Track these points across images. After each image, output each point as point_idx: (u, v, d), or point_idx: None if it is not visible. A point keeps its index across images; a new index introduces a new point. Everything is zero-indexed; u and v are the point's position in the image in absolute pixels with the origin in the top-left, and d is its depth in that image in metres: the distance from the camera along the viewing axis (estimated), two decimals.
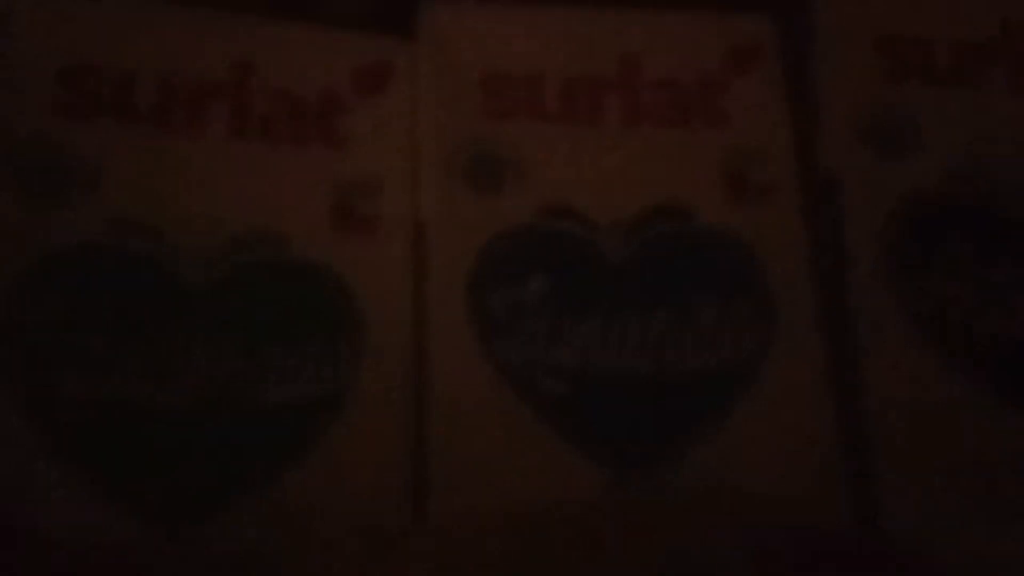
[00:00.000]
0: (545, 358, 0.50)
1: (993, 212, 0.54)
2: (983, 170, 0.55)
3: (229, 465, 0.47)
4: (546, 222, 0.52)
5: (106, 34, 0.52)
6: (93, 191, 0.49)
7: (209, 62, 0.52)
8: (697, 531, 0.47)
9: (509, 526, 0.47)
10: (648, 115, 0.55)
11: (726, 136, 0.55)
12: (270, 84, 0.52)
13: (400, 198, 0.52)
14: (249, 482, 0.47)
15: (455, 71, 0.54)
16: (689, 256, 0.53)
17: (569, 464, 0.49)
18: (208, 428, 0.47)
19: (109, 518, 0.45)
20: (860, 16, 0.57)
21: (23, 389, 0.46)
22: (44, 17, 0.51)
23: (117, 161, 0.50)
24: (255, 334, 0.48)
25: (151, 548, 0.45)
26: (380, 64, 0.54)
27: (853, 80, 0.56)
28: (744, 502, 0.48)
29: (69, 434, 0.46)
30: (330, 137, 0.52)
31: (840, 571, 0.46)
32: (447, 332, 0.50)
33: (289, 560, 0.46)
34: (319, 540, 0.46)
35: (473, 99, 0.54)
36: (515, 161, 0.53)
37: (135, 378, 0.47)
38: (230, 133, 0.52)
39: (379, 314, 0.50)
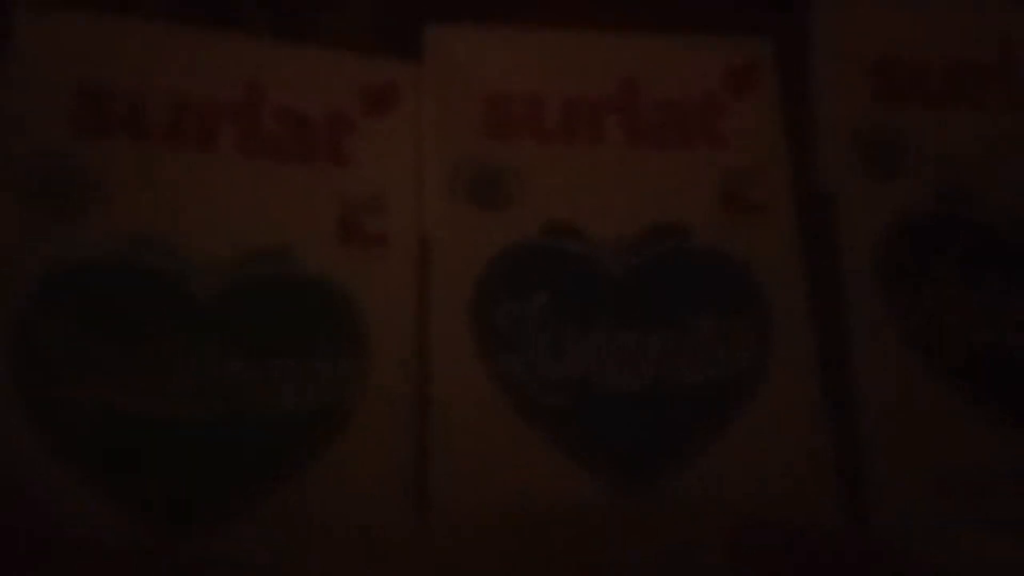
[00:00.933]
0: (546, 373, 0.51)
1: (985, 230, 0.55)
2: (976, 189, 0.56)
3: (233, 473, 0.48)
4: (548, 239, 0.53)
5: (119, 56, 0.53)
6: (105, 207, 0.50)
7: (219, 83, 0.53)
8: (693, 538, 0.48)
9: (508, 533, 0.48)
10: (647, 135, 0.56)
11: (723, 156, 0.56)
12: (279, 104, 0.53)
13: (405, 215, 0.53)
14: (253, 490, 0.47)
15: (459, 92, 0.55)
16: (687, 273, 0.54)
17: (569, 477, 0.49)
18: (214, 437, 0.48)
19: (115, 525, 0.46)
20: (856, 37, 0.58)
21: (34, 399, 0.47)
22: (58, 39, 0.52)
23: (129, 178, 0.51)
24: (261, 346, 0.49)
25: (156, 554, 0.46)
26: (386, 85, 0.55)
27: (849, 100, 0.57)
28: (740, 511, 0.49)
29: (77, 443, 0.47)
30: (337, 155, 0.53)
31: None
32: (450, 346, 0.51)
33: (290, 565, 0.47)
34: (320, 546, 0.47)
35: (476, 119, 0.55)
36: (517, 179, 0.54)
37: (143, 388, 0.48)
38: (239, 151, 0.52)
39: (383, 328, 0.51)
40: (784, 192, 0.56)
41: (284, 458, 0.48)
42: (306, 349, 0.50)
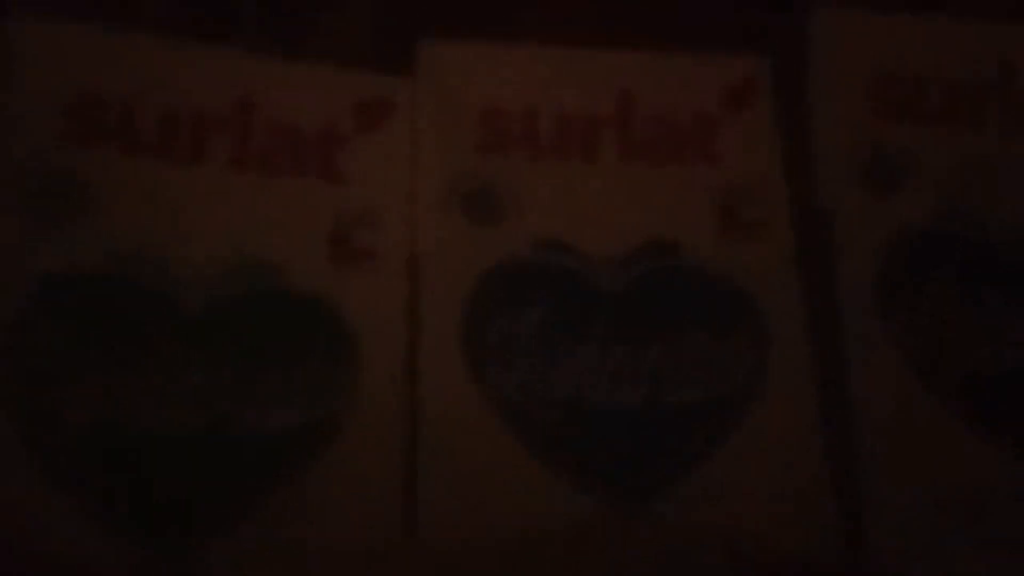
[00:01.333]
0: (538, 389, 0.51)
1: (982, 247, 0.55)
2: (973, 206, 0.55)
3: (223, 485, 0.48)
4: (540, 255, 0.53)
5: (112, 68, 0.53)
6: (95, 219, 0.50)
7: (211, 96, 0.53)
8: (689, 556, 0.48)
9: (497, 550, 0.48)
10: (642, 151, 0.55)
11: (719, 173, 0.55)
12: (271, 118, 0.54)
13: (397, 231, 0.53)
14: (244, 505, 0.47)
15: (453, 107, 0.55)
16: (681, 290, 0.53)
17: (560, 494, 0.49)
18: (203, 448, 0.48)
19: (106, 541, 0.46)
20: (855, 55, 0.58)
21: (22, 413, 0.47)
22: (53, 51, 0.52)
23: (119, 190, 0.51)
24: (252, 361, 0.49)
25: (156, 566, 0.46)
26: (379, 100, 0.55)
27: (847, 118, 0.57)
28: (736, 530, 0.49)
29: (66, 458, 0.47)
30: (329, 170, 0.53)
31: None
32: (441, 362, 0.51)
33: (288, 573, 0.47)
34: (318, 555, 0.47)
35: (470, 134, 0.55)
36: (510, 195, 0.54)
37: (133, 403, 0.48)
38: (231, 165, 0.53)
39: (374, 343, 0.51)
40: (781, 209, 0.55)
41: (272, 471, 0.48)
42: (295, 363, 0.50)
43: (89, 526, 0.46)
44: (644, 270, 0.53)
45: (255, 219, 0.52)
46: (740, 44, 0.58)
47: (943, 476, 0.50)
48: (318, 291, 0.51)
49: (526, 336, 0.51)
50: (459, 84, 0.55)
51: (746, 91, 0.57)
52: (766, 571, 0.48)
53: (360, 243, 0.52)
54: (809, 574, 0.49)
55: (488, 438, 0.50)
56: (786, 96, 0.57)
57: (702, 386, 0.51)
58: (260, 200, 0.52)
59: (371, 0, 0.59)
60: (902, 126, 0.57)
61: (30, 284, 0.49)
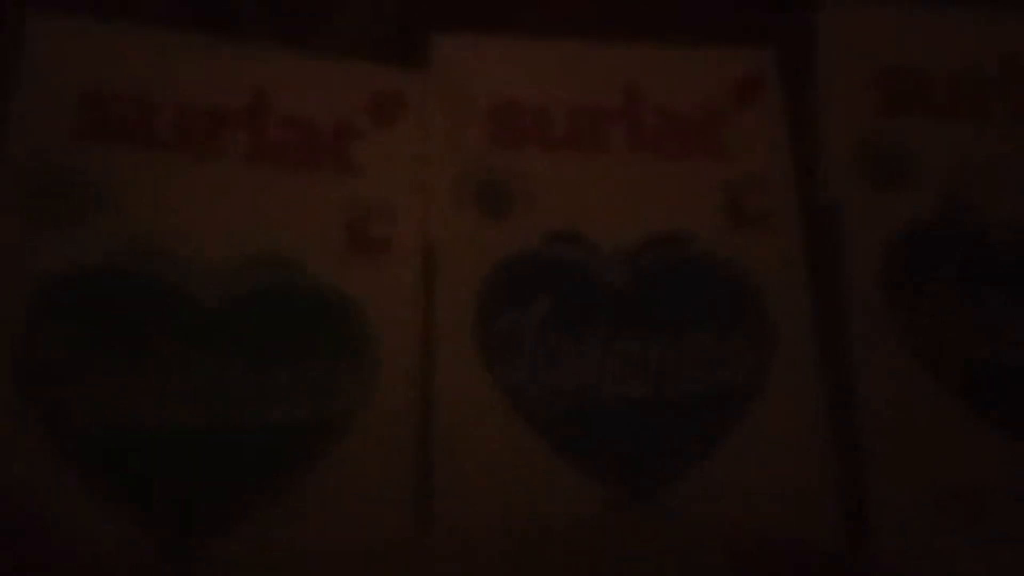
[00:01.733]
0: (548, 380, 0.51)
1: (987, 242, 0.55)
2: (978, 201, 0.56)
3: (236, 482, 0.48)
4: (551, 247, 0.53)
5: (125, 62, 0.53)
6: (110, 214, 0.50)
7: (226, 90, 0.53)
8: (689, 551, 0.48)
9: (496, 548, 0.48)
10: (651, 144, 0.56)
11: (727, 165, 0.56)
12: (285, 112, 0.54)
13: (410, 223, 0.53)
14: (256, 499, 0.48)
15: (465, 100, 0.55)
16: (689, 282, 0.54)
17: (570, 485, 0.50)
18: (215, 443, 0.48)
19: (116, 530, 0.46)
20: (860, 48, 0.58)
21: (35, 404, 0.47)
22: (65, 45, 0.53)
23: (134, 185, 0.51)
24: (267, 354, 0.50)
25: (158, 565, 0.46)
26: (393, 93, 0.55)
27: (853, 111, 0.57)
28: (740, 524, 0.49)
29: (77, 451, 0.47)
30: (343, 163, 0.54)
31: None
32: (454, 353, 0.51)
33: (291, 569, 0.47)
34: (322, 554, 0.47)
35: (482, 127, 0.55)
36: (522, 188, 0.54)
37: (147, 397, 0.48)
38: (246, 159, 0.53)
39: (388, 335, 0.51)
40: (788, 202, 0.56)
41: (286, 464, 0.48)
42: (310, 356, 0.50)
43: (98, 517, 0.46)
44: (653, 262, 0.54)
45: (270, 213, 0.52)
46: (743, 33, 0.58)
47: (945, 475, 0.51)
48: (333, 284, 0.51)
49: (535, 328, 0.52)
50: (471, 77, 0.56)
51: (753, 84, 0.57)
52: (766, 571, 0.48)
53: (375, 236, 0.52)
54: (810, 574, 0.49)
55: (500, 428, 0.50)
56: (792, 89, 0.57)
57: (708, 379, 0.52)
58: (275, 194, 0.52)
59: (371, 1, 0.59)
60: (907, 120, 0.57)
61: (42, 279, 0.49)
